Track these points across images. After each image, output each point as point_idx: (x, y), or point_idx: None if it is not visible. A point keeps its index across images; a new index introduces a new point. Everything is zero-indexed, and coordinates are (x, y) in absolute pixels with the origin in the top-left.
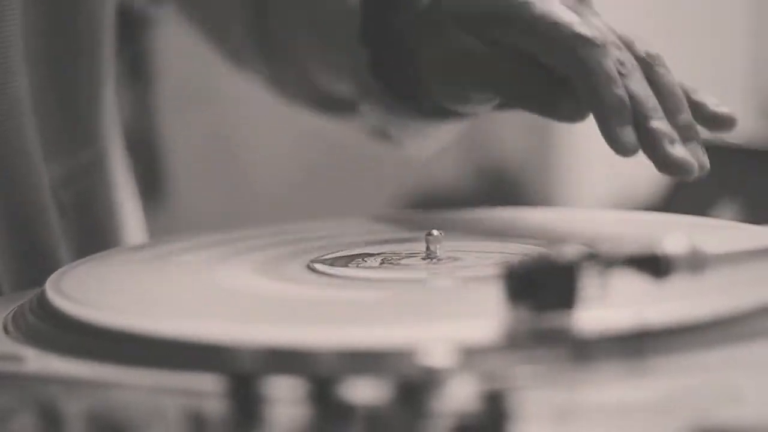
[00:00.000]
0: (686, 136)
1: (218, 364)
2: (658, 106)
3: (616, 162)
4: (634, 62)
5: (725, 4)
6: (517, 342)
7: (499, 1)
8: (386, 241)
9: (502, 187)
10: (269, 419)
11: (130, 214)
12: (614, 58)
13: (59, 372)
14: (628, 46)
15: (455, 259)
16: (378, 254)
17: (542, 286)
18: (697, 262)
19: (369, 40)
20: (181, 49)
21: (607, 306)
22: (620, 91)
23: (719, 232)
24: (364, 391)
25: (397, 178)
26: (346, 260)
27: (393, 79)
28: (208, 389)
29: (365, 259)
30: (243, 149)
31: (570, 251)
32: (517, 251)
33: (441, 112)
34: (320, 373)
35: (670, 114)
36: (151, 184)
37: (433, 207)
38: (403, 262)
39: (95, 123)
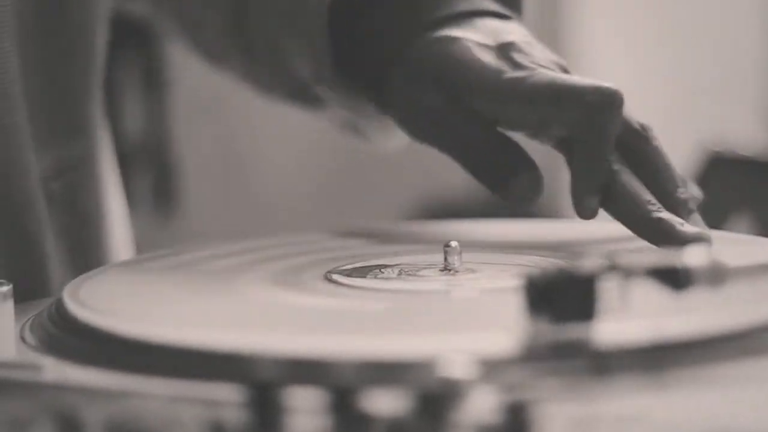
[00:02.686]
0: (686, 209)
1: (238, 374)
2: (652, 197)
3: None
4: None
5: (735, 17)
6: (536, 354)
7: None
8: (402, 252)
9: None
10: (289, 429)
11: (116, 213)
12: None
13: (78, 381)
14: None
15: (473, 270)
16: (395, 265)
17: (562, 298)
18: (716, 275)
19: (339, 31)
20: (194, 60)
21: (626, 318)
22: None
23: (735, 245)
24: (384, 402)
25: (408, 188)
26: (364, 271)
27: (358, 73)
28: (227, 399)
29: (382, 269)
30: (255, 159)
31: (589, 263)
32: (535, 263)
33: None
34: (340, 383)
35: (667, 190)
36: (164, 193)
37: (444, 217)
38: (420, 273)
39: (85, 116)
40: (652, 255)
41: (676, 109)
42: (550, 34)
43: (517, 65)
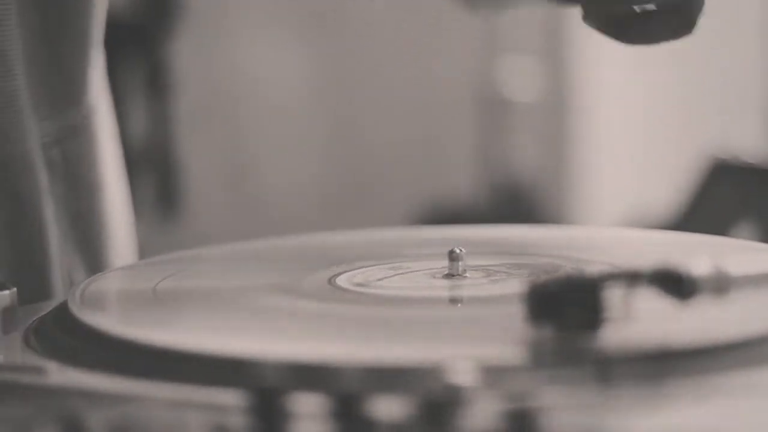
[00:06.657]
0: None
1: (242, 379)
2: None
3: (629, 181)
4: None
5: (738, 25)
6: (540, 362)
7: None
8: (407, 258)
9: (517, 203)
10: None
11: (115, 187)
12: None
13: (81, 385)
14: None
15: (478, 276)
16: (399, 270)
17: (566, 306)
18: (721, 284)
19: None
20: (199, 64)
21: (630, 326)
22: None
23: (740, 253)
24: (388, 409)
25: (413, 193)
26: (368, 276)
27: None
28: (231, 404)
29: (387, 275)
30: (259, 162)
31: (594, 271)
32: (540, 270)
33: None
34: (344, 389)
35: None
36: (168, 197)
37: (449, 223)
38: (425, 279)
39: (83, 84)
40: (656, 263)
41: (680, 117)
42: (559, 35)
43: None
